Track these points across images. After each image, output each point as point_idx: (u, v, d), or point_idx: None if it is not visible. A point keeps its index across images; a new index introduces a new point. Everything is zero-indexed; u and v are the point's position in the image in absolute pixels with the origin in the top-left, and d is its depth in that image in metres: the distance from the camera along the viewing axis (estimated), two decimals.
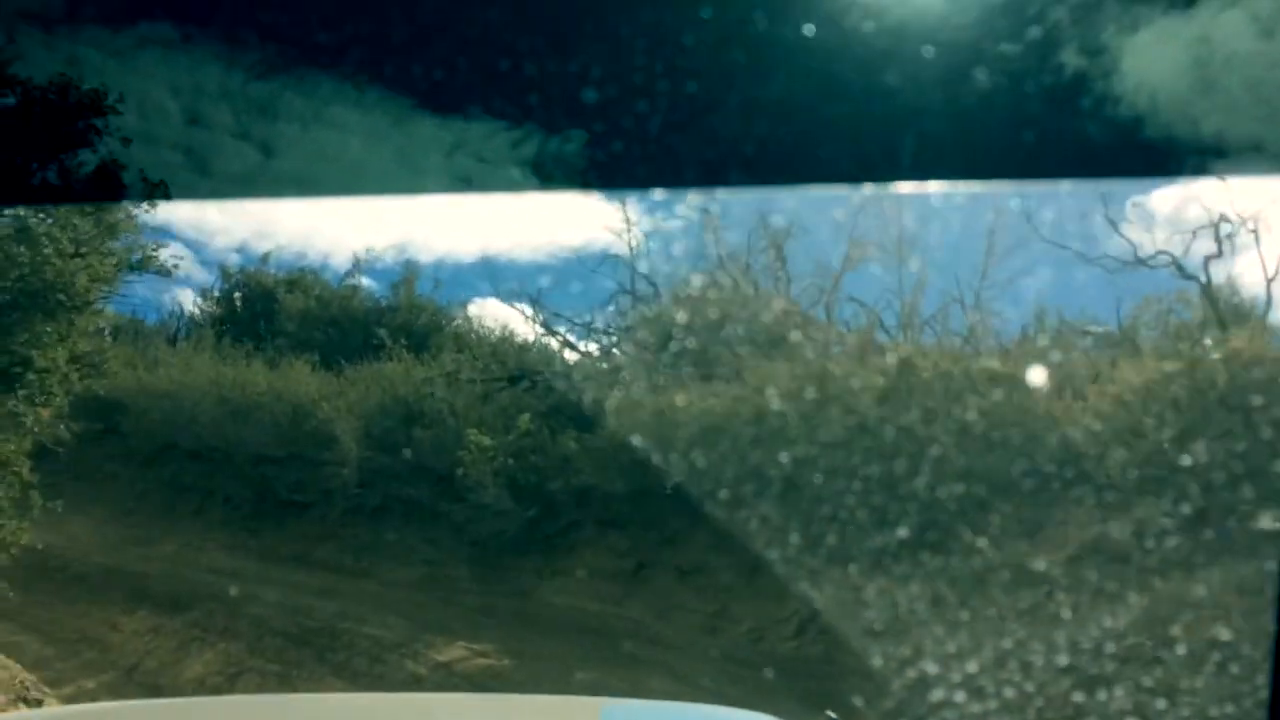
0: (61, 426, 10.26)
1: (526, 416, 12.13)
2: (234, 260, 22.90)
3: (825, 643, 8.47)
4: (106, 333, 12.59)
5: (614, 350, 16.79)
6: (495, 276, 15.41)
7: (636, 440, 11.38)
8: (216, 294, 23.32)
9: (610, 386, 12.99)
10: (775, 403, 11.00)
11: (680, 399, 11.76)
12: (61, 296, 7.83)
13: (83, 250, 7.80)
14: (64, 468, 14.84)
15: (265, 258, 23.50)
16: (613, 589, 10.48)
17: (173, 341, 18.94)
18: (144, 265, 9.12)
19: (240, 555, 12.48)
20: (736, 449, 10.65)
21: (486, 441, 11.79)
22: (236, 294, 23.22)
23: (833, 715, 2.44)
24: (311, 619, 10.63)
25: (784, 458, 10.17)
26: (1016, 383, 8.80)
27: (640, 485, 11.19)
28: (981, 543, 7.58)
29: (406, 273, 22.37)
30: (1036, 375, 9.02)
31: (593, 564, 10.95)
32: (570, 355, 16.30)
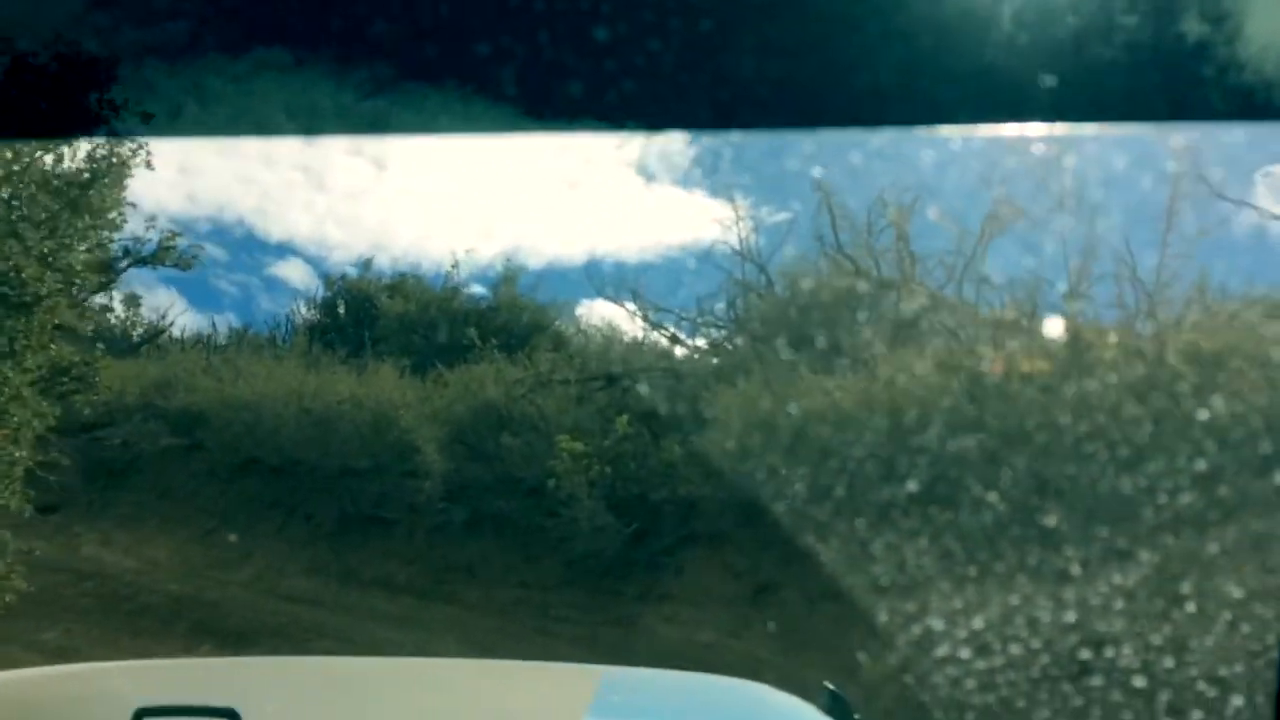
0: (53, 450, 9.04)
1: (625, 419, 10.72)
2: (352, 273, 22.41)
3: (999, 689, 6.72)
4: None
5: (725, 344, 15.32)
6: (600, 276, 14.37)
7: (752, 443, 9.86)
8: (318, 301, 22.86)
9: (720, 384, 11.49)
10: (914, 395, 9.32)
11: (801, 395, 10.18)
12: (6, 290, 6.62)
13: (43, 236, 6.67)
14: (149, 485, 14.17)
15: (367, 264, 22.97)
16: (729, 618, 8.96)
17: (265, 351, 18.28)
18: (159, 258, 8.14)
19: (320, 579, 11.43)
20: (869, 451, 9.03)
21: (579, 447, 10.43)
22: (339, 301, 22.70)
23: (831, 686, 2.25)
24: (390, 654, 9.44)
25: (927, 461, 8.51)
26: (1245, 362, 6.90)
27: (758, 495, 9.64)
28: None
29: (507, 272, 21.46)
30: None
31: (704, 587, 9.46)
32: (677, 351, 14.90)
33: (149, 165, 7.72)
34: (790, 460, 9.43)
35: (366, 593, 10.94)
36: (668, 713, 1.90)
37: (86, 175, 7.08)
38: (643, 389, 12.56)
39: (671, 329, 15.19)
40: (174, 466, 14.16)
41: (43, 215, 6.61)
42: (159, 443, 14.67)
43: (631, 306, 14.89)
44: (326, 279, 22.83)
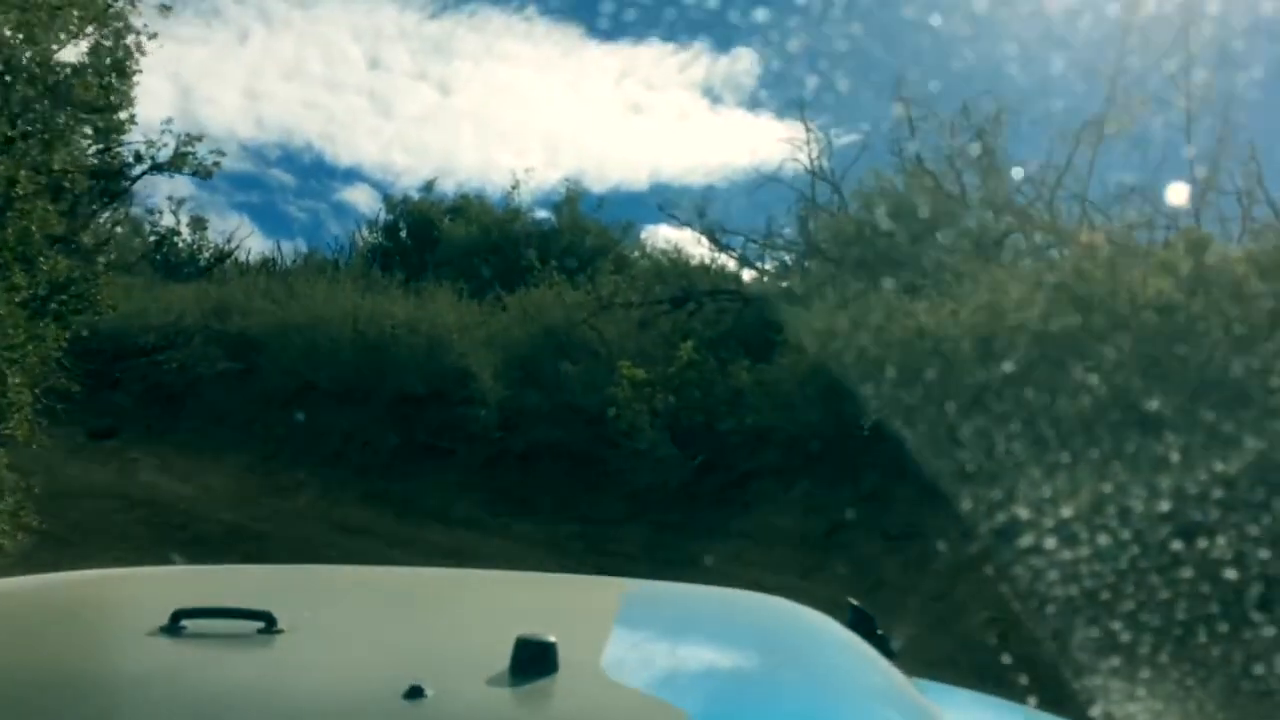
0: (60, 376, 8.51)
1: (690, 344, 10.03)
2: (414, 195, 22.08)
3: (1093, 643, 6.03)
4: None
5: (796, 267, 14.50)
6: (665, 199, 13.61)
7: (826, 370, 9.12)
8: (380, 225, 22.48)
9: (792, 307, 10.73)
10: (1007, 319, 8.46)
11: (879, 317, 9.37)
12: None
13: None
14: (206, 410, 13.95)
15: (429, 186, 22.44)
16: (800, 558, 8.33)
17: (326, 274, 17.93)
18: (175, 164, 7.55)
19: (375, 508, 11.06)
20: (955, 379, 8.24)
21: (640, 375, 9.78)
22: (400, 224, 22.30)
23: (854, 602, 2.29)
24: None
25: (1024, 391, 7.69)
26: None
27: (831, 425, 8.94)
28: None
29: (570, 194, 20.80)
30: None
31: (774, 524, 8.83)
32: (745, 275, 14.13)
33: (140, 52, 6.96)
34: (869, 388, 8.69)
35: (422, 525, 10.54)
36: (692, 625, 1.90)
37: (73, 66, 6.49)
38: (709, 313, 11.85)
39: (739, 251, 14.43)
40: (231, 391, 13.91)
41: (17, 108, 6.04)
42: (216, 367, 14.43)
43: (697, 229, 14.16)
44: (388, 201, 22.45)
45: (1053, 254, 12.24)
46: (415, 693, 1.20)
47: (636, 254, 18.46)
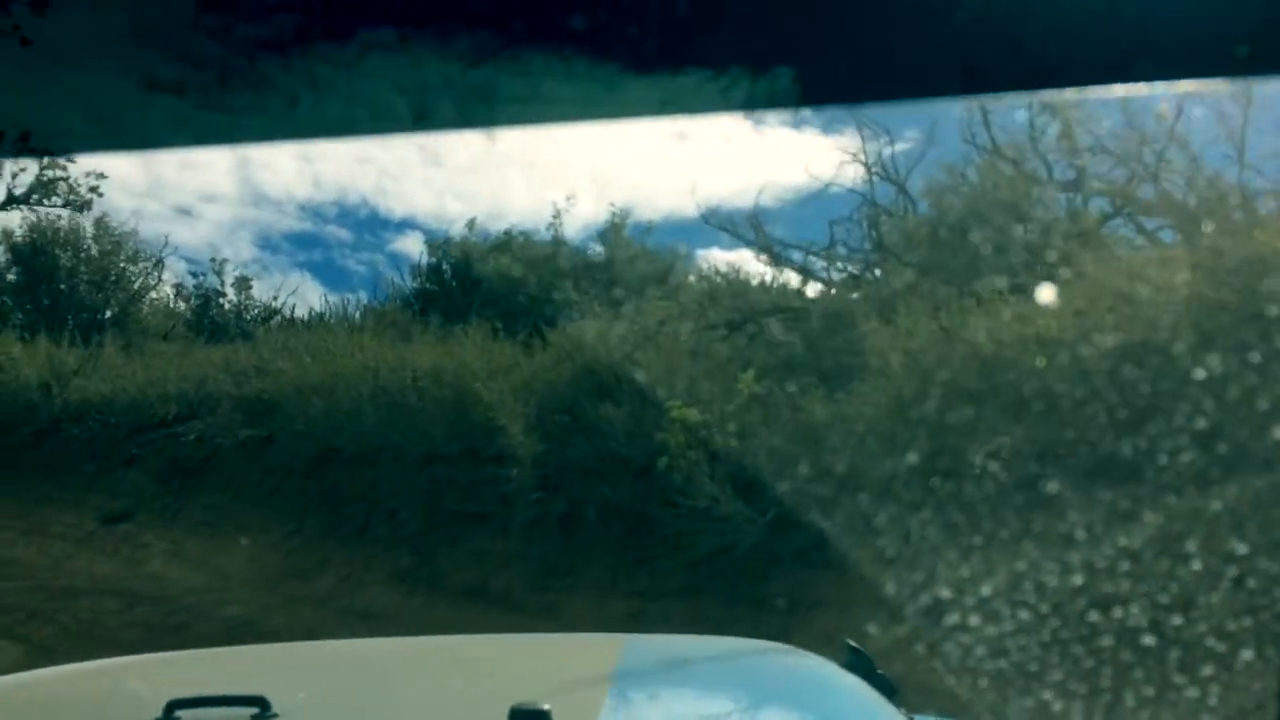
0: None
1: (750, 375, 8.42)
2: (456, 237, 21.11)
3: (1028, 712, 4.88)
4: None
5: (866, 275, 12.84)
6: (716, 221, 12.29)
7: (919, 391, 7.47)
8: (424, 269, 21.55)
9: (869, 321, 9.08)
10: (1141, 314, 6.72)
11: (977, 322, 7.70)
12: None
13: None
14: (225, 484, 12.68)
15: (471, 224, 21.31)
16: (909, 637, 6.61)
17: (349, 325, 16.73)
18: (43, 192, 6.25)
19: (404, 589, 9.61)
20: (1084, 391, 6.54)
21: (694, 416, 8.20)
22: (443, 266, 21.28)
23: (852, 643, 2.33)
24: None
25: (1177, 399, 5.96)
26: None
27: (934, 459, 7.25)
28: None
29: (615, 221, 19.58)
30: None
31: (870, 590, 7.13)
32: (810, 290, 12.52)
33: None
34: (975, 412, 7.00)
35: (455, 606, 9.04)
36: (690, 678, 1.86)
37: None
38: (772, 337, 10.23)
39: (800, 264, 12.83)
40: (251, 461, 12.63)
41: None
42: (237, 435, 13.18)
43: (753, 245, 12.63)
44: (430, 243, 21.39)
45: (1169, 235, 10.49)
46: None
47: (691, 278, 17.09)
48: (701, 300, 11.72)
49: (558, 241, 19.46)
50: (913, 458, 6.81)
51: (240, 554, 11.11)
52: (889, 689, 2.01)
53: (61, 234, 21.00)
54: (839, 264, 13.38)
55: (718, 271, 13.53)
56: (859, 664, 2.09)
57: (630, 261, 18.21)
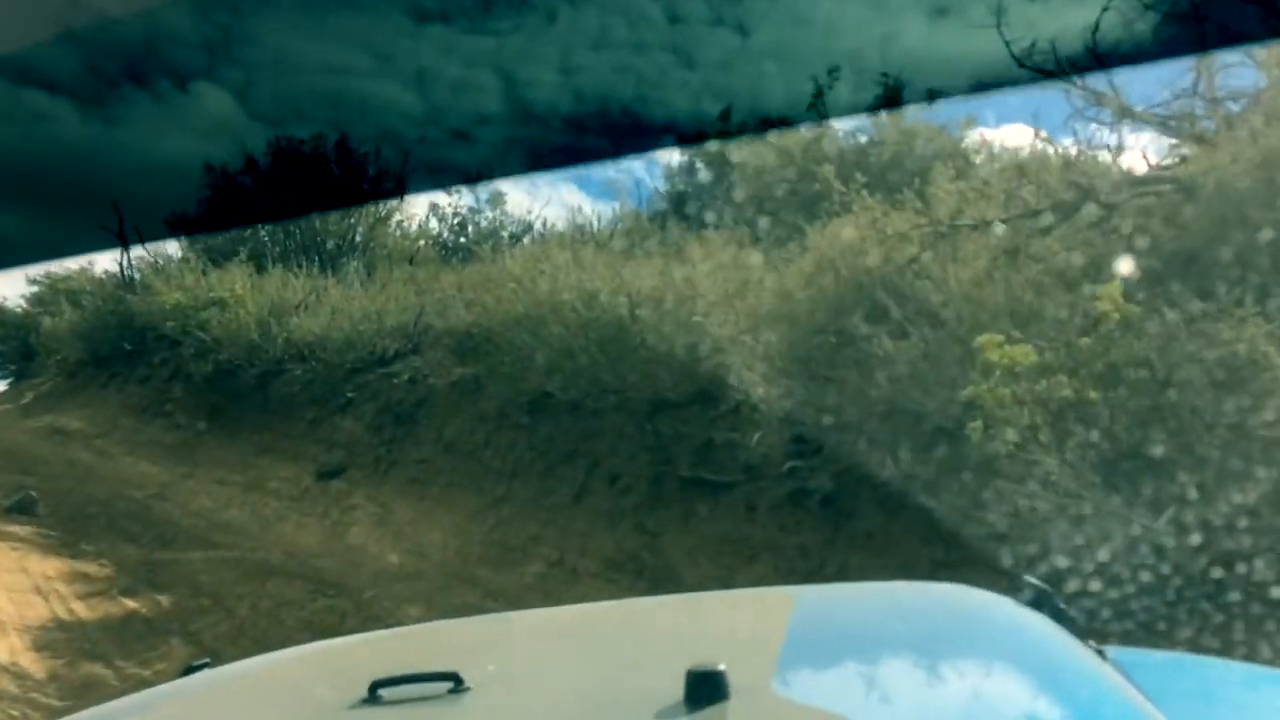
0: None
1: (1114, 287, 5.32)
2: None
3: None
4: None
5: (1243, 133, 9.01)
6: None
7: None
8: (676, 169, 19.35)
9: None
10: None
11: None
12: None
13: None
14: (435, 434, 11.01)
15: (726, 115, 18.74)
16: None
17: (594, 239, 14.67)
18: None
19: (624, 583, 7.42)
20: None
21: (1025, 356, 5.26)
22: (696, 165, 18.98)
23: (1034, 580, 2.01)
24: None
25: None
26: None
27: None
28: None
29: (887, 93, 16.20)
30: None
31: None
32: (1183, 164, 8.91)
33: None
34: None
35: None
36: (868, 623, 1.82)
37: None
38: (1128, 226, 6.93)
39: (1158, 119, 9.16)
40: (462, 406, 10.88)
41: None
42: (450, 375, 11.47)
43: (1083, 93, 9.11)
44: (679, 140, 19.14)
45: None
46: None
47: (984, 157, 13.69)
48: (1010, 180, 8.48)
49: (820, 125, 16.47)
50: None
51: (444, 524, 9.38)
52: (1074, 626, 1.83)
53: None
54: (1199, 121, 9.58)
55: (1015, 152, 10.17)
56: (1044, 604, 1.90)
57: (909, 138, 14.90)
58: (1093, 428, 5.00)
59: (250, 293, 14.77)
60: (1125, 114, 8.46)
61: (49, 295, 23.74)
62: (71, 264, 22.83)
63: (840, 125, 16.23)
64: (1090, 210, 7.26)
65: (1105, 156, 8.41)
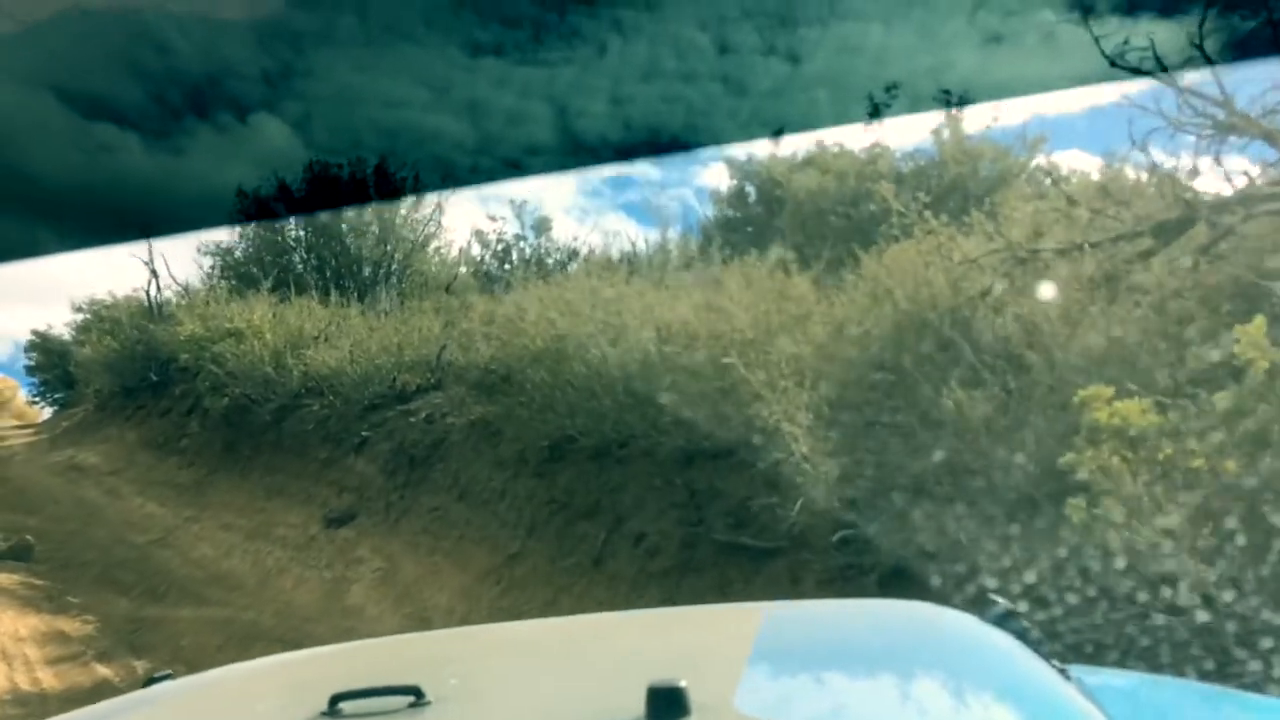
0: None
1: (1259, 325, 4.19)
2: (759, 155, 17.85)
3: None
4: None
5: None
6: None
7: None
8: (726, 194, 18.34)
9: None
10: None
11: None
12: None
13: None
14: (450, 481, 10.05)
15: (777, 133, 17.78)
16: None
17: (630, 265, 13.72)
18: None
19: None
20: None
21: (1141, 416, 4.15)
22: (747, 188, 17.97)
23: (999, 599, 2.00)
24: None
25: None
26: None
27: None
28: None
29: (950, 118, 15.14)
30: None
31: None
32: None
33: None
34: None
35: None
36: (834, 640, 1.81)
37: None
38: (1248, 249, 5.77)
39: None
40: (481, 450, 9.92)
41: None
42: (469, 414, 10.53)
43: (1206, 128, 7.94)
44: (730, 164, 18.16)
45: None
46: None
47: (1050, 181, 12.51)
48: (1091, 201, 7.32)
49: (876, 147, 15.36)
50: None
51: (452, 585, 8.40)
52: (1038, 648, 1.82)
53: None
54: None
55: (1091, 175, 9.01)
56: (1007, 622, 1.88)
57: (972, 160, 13.74)
58: (1230, 512, 3.87)
59: (270, 323, 14.01)
60: (1227, 125, 7.27)
61: (92, 323, 23.38)
62: (119, 291, 22.48)
63: (898, 145, 15.12)
64: (1200, 231, 6.12)
65: (1205, 169, 7.23)
